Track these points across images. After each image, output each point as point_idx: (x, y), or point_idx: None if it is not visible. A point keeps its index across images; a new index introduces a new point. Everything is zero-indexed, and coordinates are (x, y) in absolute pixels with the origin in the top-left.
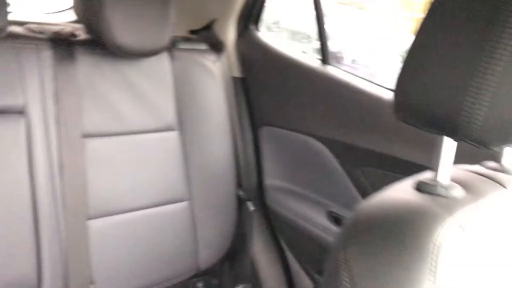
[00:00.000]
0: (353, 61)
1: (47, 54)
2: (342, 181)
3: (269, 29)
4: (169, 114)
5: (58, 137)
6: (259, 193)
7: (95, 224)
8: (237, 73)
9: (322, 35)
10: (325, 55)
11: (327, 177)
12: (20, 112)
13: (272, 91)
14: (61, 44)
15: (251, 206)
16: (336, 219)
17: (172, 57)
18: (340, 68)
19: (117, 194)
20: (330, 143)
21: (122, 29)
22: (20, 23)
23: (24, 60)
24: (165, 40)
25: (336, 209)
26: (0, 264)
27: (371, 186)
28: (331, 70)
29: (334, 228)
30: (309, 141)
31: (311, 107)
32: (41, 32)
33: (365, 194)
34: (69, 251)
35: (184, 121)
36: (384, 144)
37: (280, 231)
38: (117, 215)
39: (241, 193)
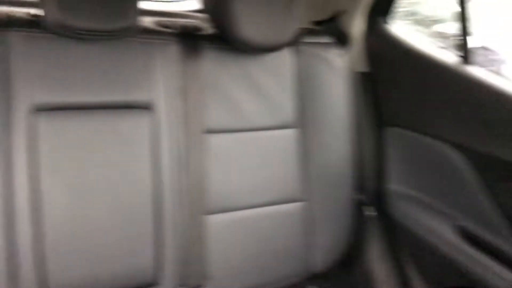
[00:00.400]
0: (485, 48)
1: (174, 49)
2: (478, 195)
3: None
4: (289, 111)
5: (182, 133)
6: (379, 199)
7: (213, 220)
8: (362, 68)
9: (464, 30)
10: (466, 52)
11: (460, 189)
12: (146, 107)
13: (401, 89)
14: (188, 39)
15: (369, 212)
16: (467, 236)
17: (295, 51)
18: (485, 69)
19: (235, 190)
20: (467, 152)
21: (248, 24)
22: (149, 13)
23: (152, 55)
24: (290, 35)
25: (467, 224)
26: (121, 257)
27: None
28: (473, 70)
29: (463, 245)
30: (442, 146)
31: (446, 110)
32: (169, 27)
33: (506, 212)
34: (188, 245)
35: (305, 118)
36: None
37: (400, 241)
38: (234, 211)
39: (360, 197)
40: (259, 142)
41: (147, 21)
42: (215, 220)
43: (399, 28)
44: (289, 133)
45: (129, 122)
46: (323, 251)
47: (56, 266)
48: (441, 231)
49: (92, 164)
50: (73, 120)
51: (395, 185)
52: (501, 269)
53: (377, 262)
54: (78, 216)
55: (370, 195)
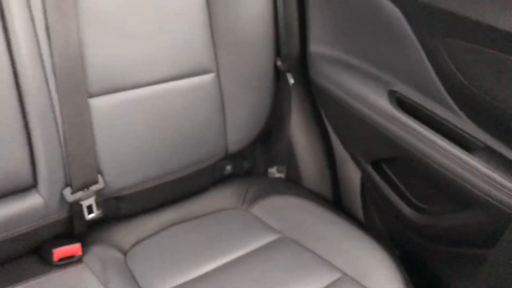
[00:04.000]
0: None
1: None
2: (413, 54)
3: None
4: None
5: None
6: (302, 64)
7: (99, 103)
8: None
9: None
10: None
11: (393, 48)
12: None
13: None
14: None
15: (291, 79)
16: (399, 102)
17: None
18: None
19: (126, 64)
20: (403, 2)
21: None
22: None
23: None
24: None
25: (401, 89)
26: None
27: (453, 62)
28: None
29: (396, 112)
30: None
31: None
32: None
33: (442, 73)
34: (68, 136)
35: None
36: (482, 9)
37: (325, 109)
38: (127, 91)
39: (279, 63)
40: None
41: None
42: (101, 103)
43: None
44: None
45: None
46: (240, 127)
47: None
48: (371, 98)
49: None
50: None
51: (319, 46)
52: (437, 138)
53: (299, 133)
54: None
55: (291, 60)
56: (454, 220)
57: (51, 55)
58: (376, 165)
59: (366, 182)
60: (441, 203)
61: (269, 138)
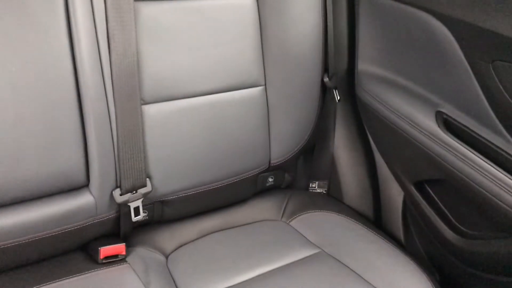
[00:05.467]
0: None
1: None
2: (462, 75)
3: None
4: None
5: (103, 1)
6: (349, 81)
7: (151, 110)
8: None
9: None
10: None
11: (442, 69)
12: None
13: None
14: None
15: (337, 96)
16: (447, 123)
17: None
18: None
19: (179, 74)
20: (454, 24)
21: None
22: None
23: None
24: None
25: (448, 110)
26: (44, 157)
27: (503, 85)
28: None
29: (442, 134)
30: (424, 18)
31: None
32: None
33: (491, 95)
34: (121, 140)
35: None
36: None
37: (370, 127)
38: (179, 100)
39: (326, 79)
40: (205, 13)
41: None
42: (154, 110)
43: None
44: (244, 1)
45: None
46: (284, 140)
47: None
48: (418, 118)
49: None
50: None
51: (367, 64)
52: (483, 162)
53: (343, 149)
54: None
55: (339, 77)
56: (497, 247)
57: (110, 63)
58: (419, 186)
59: (408, 202)
60: (484, 229)
61: (312, 153)
